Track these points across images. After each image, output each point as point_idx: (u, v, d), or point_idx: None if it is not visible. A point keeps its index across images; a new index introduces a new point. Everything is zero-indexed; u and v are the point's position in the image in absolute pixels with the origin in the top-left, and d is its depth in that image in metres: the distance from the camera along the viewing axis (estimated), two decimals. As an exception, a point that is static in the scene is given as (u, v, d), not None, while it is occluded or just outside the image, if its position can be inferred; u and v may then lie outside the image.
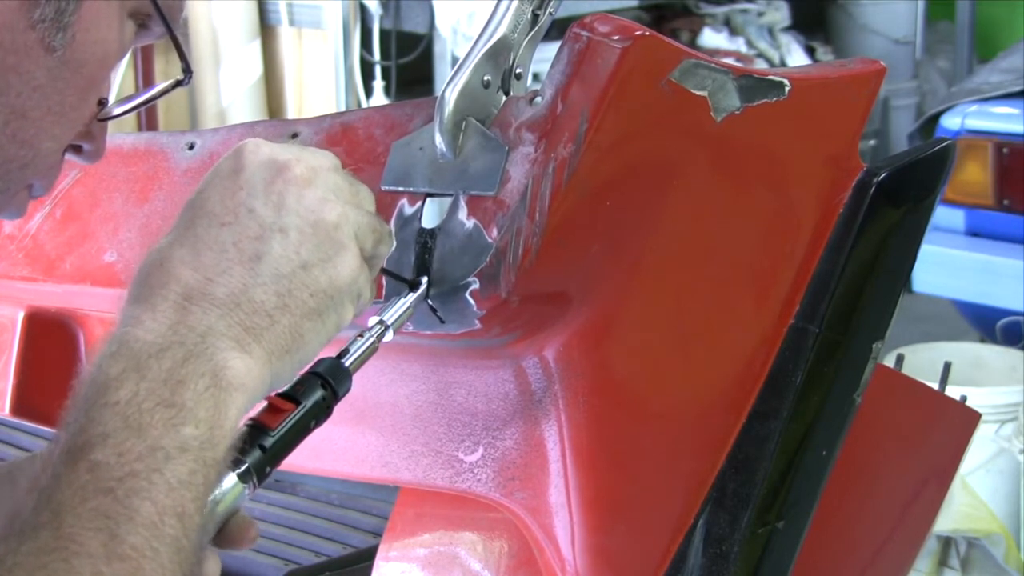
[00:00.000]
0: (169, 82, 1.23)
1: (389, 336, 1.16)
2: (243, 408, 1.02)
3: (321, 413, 1.10)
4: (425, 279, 1.20)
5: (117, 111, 1.18)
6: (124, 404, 0.97)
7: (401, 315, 1.18)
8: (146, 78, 5.24)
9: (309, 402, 1.08)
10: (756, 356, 1.36)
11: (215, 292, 1.03)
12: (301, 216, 1.07)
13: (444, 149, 1.22)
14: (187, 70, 1.22)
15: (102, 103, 1.14)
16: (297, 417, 1.07)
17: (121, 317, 1.03)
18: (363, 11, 5.55)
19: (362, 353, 1.14)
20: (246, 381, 1.02)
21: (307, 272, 1.07)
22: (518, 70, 1.24)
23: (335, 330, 1.10)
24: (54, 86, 1.08)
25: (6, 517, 0.93)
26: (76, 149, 1.16)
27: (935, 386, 1.76)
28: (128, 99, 1.20)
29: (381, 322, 1.16)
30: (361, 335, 1.14)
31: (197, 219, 1.07)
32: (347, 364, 1.12)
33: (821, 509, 1.40)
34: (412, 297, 1.19)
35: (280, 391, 1.08)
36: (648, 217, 1.26)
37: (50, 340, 1.58)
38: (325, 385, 1.10)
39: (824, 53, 6.87)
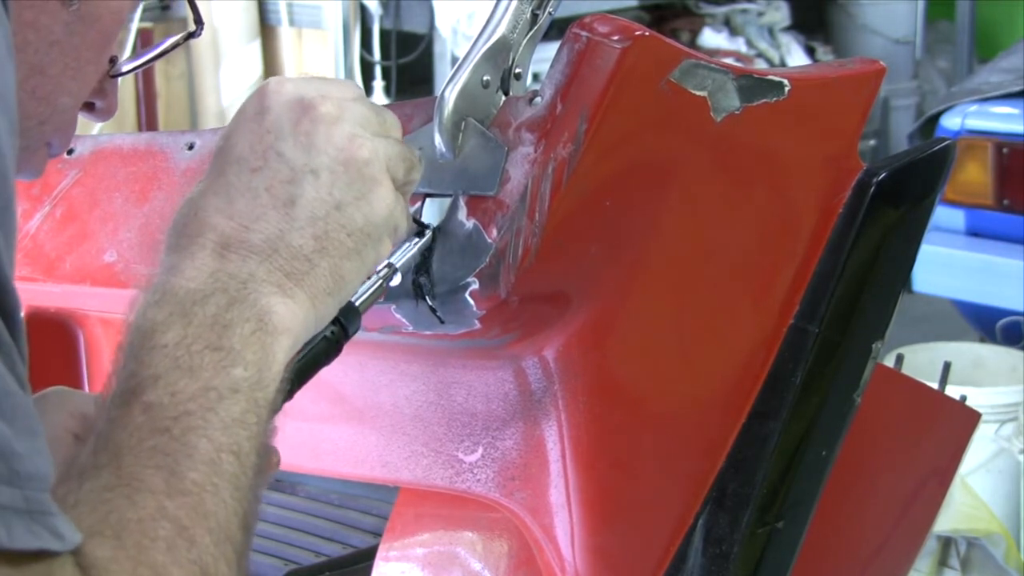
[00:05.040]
0: (181, 35, 1.23)
1: (397, 279, 1.18)
2: (289, 351, 1.03)
3: (332, 349, 1.10)
4: (433, 225, 1.21)
5: (127, 67, 1.18)
6: (173, 347, 0.97)
7: (408, 259, 1.19)
8: (146, 73, 5.24)
9: (319, 337, 1.09)
10: (756, 356, 1.36)
11: (252, 239, 1.03)
12: (331, 156, 1.07)
13: (444, 149, 1.22)
14: (198, 21, 1.22)
15: (113, 60, 1.15)
16: (308, 351, 1.08)
17: (160, 267, 1.04)
18: (363, 11, 5.55)
19: (371, 294, 1.14)
20: (291, 325, 1.02)
21: (342, 212, 1.07)
22: (517, 70, 1.24)
23: (373, 266, 1.10)
24: (70, 41, 1.07)
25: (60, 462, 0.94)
26: (88, 107, 1.16)
27: (935, 386, 1.77)
28: (138, 55, 1.21)
29: (389, 264, 1.17)
30: (369, 277, 1.14)
31: (227, 166, 1.07)
32: (356, 303, 1.12)
33: (821, 509, 1.40)
34: (420, 242, 1.20)
35: None
36: (648, 217, 1.26)
37: (50, 340, 1.58)
38: (335, 322, 1.10)
39: (824, 53, 6.86)
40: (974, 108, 4.25)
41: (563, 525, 1.28)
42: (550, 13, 1.25)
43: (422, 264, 1.21)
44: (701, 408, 1.36)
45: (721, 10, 6.64)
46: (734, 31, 6.62)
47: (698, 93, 1.25)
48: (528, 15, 1.24)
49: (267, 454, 1.00)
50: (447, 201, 1.22)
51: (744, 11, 6.68)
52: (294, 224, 1.05)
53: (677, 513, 1.34)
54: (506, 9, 1.23)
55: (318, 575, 1.82)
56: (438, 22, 5.55)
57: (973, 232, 4.29)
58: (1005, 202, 4.20)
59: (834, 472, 1.40)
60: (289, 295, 1.03)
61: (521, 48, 1.24)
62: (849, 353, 1.40)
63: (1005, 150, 4.17)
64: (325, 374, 1.11)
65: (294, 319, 1.03)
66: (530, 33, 1.24)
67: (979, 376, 3.86)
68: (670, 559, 1.33)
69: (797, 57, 6.65)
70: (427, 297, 1.21)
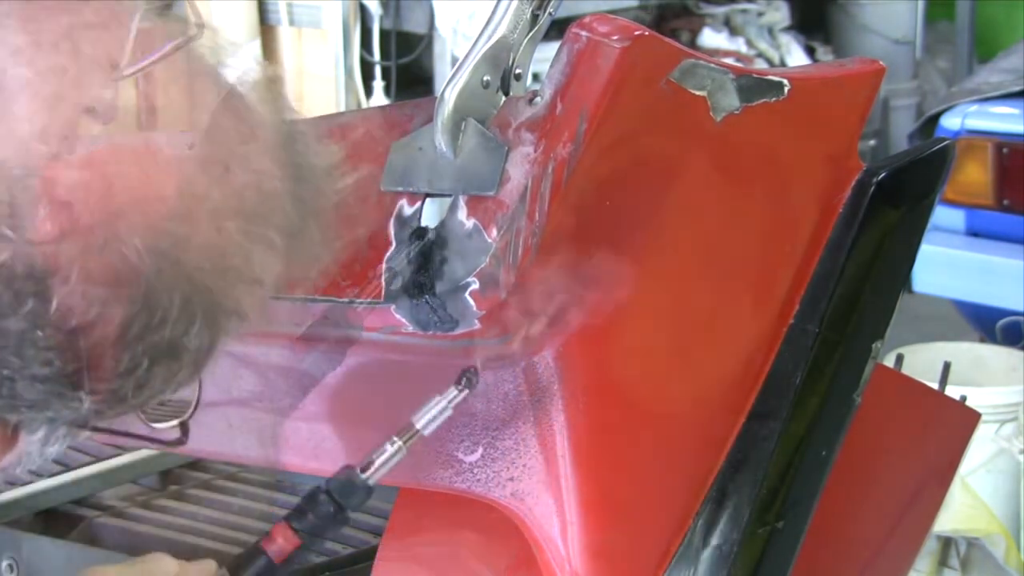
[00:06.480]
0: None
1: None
2: None
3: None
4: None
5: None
6: None
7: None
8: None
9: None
10: (756, 356, 1.36)
11: None
12: None
13: (444, 149, 1.22)
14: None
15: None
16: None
17: None
18: (363, 11, 5.55)
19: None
20: None
21: None
22: (518, 70, 1.24)
23: None
24: None
25: None
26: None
27: (935, 386, 1.76)
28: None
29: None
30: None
31: None
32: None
33: (821, 509, 1.40)
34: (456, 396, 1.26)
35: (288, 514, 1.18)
36: (647, 217, 1.26)
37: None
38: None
39: (824, 53, 6.87)
40: (974, 108, 4.25)
41: (563, 525, 1.28)
42: (550, 13, 1.25)
43: (422, 264, 1.21)
44: (701, 408, 1.36)
45: (721, 10, 6.64)
46: (734, 31, 6.62)
47: (698, 93, 1.25)
48: (528, 15, 1.24)
49: None
50: (447, 201, 1.22)
51: (744, 11, 6.68)
52: None
53: (677, 513, 1.34)
54: (506, 9, 1.23)
55: (318, 575, 1.82)
56: (438, 22, 5.55)
57: (973, 232, 4.28)
58: (1005, 202, 4.20)
59: (834, 472, 1.40)
60: None
61: (521, 48, 1.24)
62: (849, 353, 1.40)
63: (1005, 150, 4.17)
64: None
65: None
66: (530, 33, 1.24)
67: (979, 376, 3.86)
68: (670, 559, 1.33)
69: (797, 57, 6.65)
70: (427, 297, 1.21)
